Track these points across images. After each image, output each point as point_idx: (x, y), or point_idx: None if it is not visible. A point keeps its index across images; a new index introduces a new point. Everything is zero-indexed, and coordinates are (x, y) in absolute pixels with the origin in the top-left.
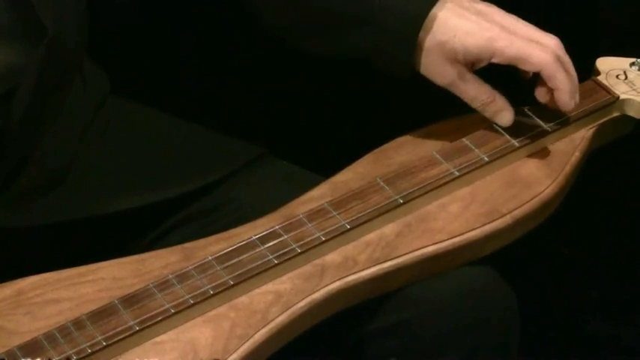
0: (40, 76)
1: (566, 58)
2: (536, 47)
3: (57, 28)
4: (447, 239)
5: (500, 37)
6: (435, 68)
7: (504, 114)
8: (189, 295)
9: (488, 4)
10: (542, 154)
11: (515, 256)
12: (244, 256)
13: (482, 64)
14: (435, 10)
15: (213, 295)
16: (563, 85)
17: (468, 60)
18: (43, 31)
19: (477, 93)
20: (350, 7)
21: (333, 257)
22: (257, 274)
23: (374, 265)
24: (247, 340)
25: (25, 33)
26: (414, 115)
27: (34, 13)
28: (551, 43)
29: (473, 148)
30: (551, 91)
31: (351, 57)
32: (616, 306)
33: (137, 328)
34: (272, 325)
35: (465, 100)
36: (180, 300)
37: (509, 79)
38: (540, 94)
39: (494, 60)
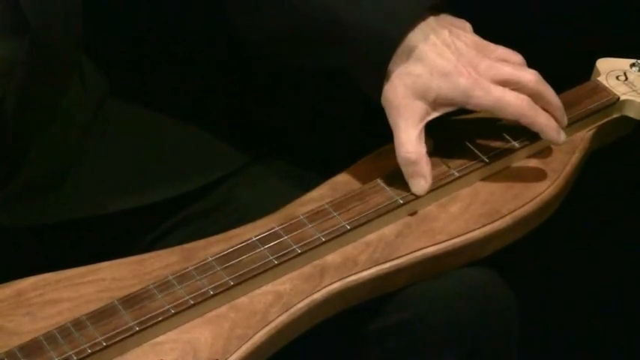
0: (27, 72)
1: (547, 90)
2: (512, 96)
3: (41, 23)
4: (447, 240)
5: (476, 86)
6: (393, 96)
7: (419, 181)
8: (189, 296)
9: (469, 37)
10: (542, 154)
11: (515, 256)
12: (244, 256)
13: (448, 110)
14: (414, 38)
15: (213, 296)
16: (544, 126)
17: (438, 102)
18: (28, 25)
19: (408, 141)
20: (324, 25)
21: (333, 258)
22: (257, 274)
23: (374, 266)
24: (247, 341)
25: (14, 28)
26: None
27: (19, 7)
28: (530, 80)
29: (473, 148)
30: None
31: (331, 71)
32: (616, 306)
33: (137, 329)
34: (272, 325)
35: (394, 142)
36: (181, 301)
37: None
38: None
39: (469, 108)
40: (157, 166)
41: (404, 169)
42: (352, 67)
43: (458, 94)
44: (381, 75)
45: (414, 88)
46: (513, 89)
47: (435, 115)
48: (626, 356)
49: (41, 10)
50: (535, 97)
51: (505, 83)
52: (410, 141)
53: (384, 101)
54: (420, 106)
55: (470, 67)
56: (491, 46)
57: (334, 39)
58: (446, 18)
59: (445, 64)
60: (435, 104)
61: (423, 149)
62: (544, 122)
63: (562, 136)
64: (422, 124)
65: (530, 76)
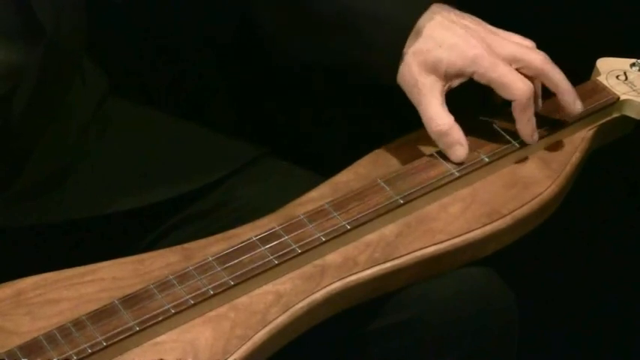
0: (39, 75)
1: (554, 71)
2: (516, 77)
3: (55, 28)
4: (448, 240)
5: (484, 56)
6: (410, 76)
7: (458, 149)
8: (190, 296)
9: (477, 20)
10: (543, 154)
11: (515, 256)
12: (244, 256)
13: (460, 81)
14: (422, 20)
15: (213, 296)
16: (525, 125)
17: (449, 73)
18: (43, 30)
19: (436, 115)
20: (336, 15)
21: (333, 258)
22: (257, 274)
23: (374, 266)
24: (247, 341)
25: (25, 33)
26: (414, 116)
27: (33, 13)
28: (537, 58)
29: (473, 148)
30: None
31: (337, 64)
32: (616, 306)
33: (137, 329)
34: (272, 325)
35: (422, 120)
36: (181, 300)
37: None
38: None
39: (474, 77)
40: (157, 167)
41: (439, 142)
42: (364, 57)
43: (466, 62)
44: (396, 60)
45: (426, 63)
46: (521, 68)
47: (449, 86)
48: (626, 356)
49: (55, 15)
50: (542, 77)
51: (512, 60)
52: (437, 114)
53: (402, 83)
54: (434, 80)
55: (479, 39)
56: (500, 30)
57: (347, 29)
58: (451, 8)
59: (453, 37)
60: (446, 76)
61: (451, 119)
62: (527, 121)
63: (534, 140)
64: (442, 97)
65: (537, 55)
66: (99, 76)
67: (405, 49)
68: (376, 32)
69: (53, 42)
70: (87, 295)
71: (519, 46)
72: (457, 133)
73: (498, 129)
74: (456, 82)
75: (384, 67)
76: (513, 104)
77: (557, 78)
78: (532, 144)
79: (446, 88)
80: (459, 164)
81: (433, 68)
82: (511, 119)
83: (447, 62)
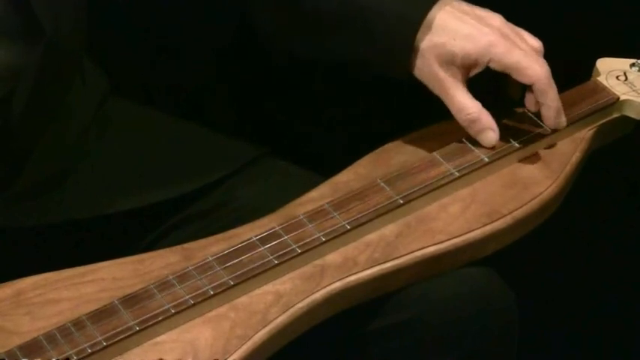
0: (38, 76)
1: (552, 82)
2: (534, 60)
3: (55, 28)
4: (447, 240)
5: (499, 43)
6: (429, 70)
7: (489, 133)
8: (190, 296)
9: (488, 10)
10: (543, 154)
11: (515, 256)
12: (244, 256)
13: (478, 70)
14: (433, 12)
15: (213, 296)
16: (552, 102)
17: (465, 64)
18: (42, 31)
19: (464, 105)
20: (344, 9)
21: (333, 258)
22: (257, 274)
23: (374, 266)
24: (247, 341)
25: (24, 33)
26: (414, 116)
27: (32, 13)
28: (543, 64)
29: (473, 148)
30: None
31: (346, 60)
32: (616, 306)
33: (137, 329)
34: (272, 325)
35: (451, 111)
36: (181, 300)
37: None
38: (529, 104)
39: (491, 65)
40: (157, 167)
41: (470, 129)
42: (369, 52)
43: (480, 50)
44: (406, 53)
45: (443, 56)
46: None
47: (469, 74)
48: (626, 356)
49: (55, 16)
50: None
51: None
52: (465, 103)
53: (420, 76)
54: (455, 72)
55: (492, 27)
56: (511, 24)
57: (349, 25)
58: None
59: (466, 27)
60: (463, 67)
61: (478, 105)
62: (553, 97)
63: (562, 123)
64: (465, 85)
65: (543, 61)
66: (99, 76)
67: (418, 43)
68: (382, 26)
69: (53, 42)
70: (87, 295)
71: (529, 44)
72: (486, 118)
73: (498, 129)
74: (475, 71)
75: (393, 61)
76: (533, 88)
77: (553, 90)
78: (560, 128)
79: (467, 76)
80: (459, 164)
81: (450, 61)
82: (511, 119)
83: (462, 54)
